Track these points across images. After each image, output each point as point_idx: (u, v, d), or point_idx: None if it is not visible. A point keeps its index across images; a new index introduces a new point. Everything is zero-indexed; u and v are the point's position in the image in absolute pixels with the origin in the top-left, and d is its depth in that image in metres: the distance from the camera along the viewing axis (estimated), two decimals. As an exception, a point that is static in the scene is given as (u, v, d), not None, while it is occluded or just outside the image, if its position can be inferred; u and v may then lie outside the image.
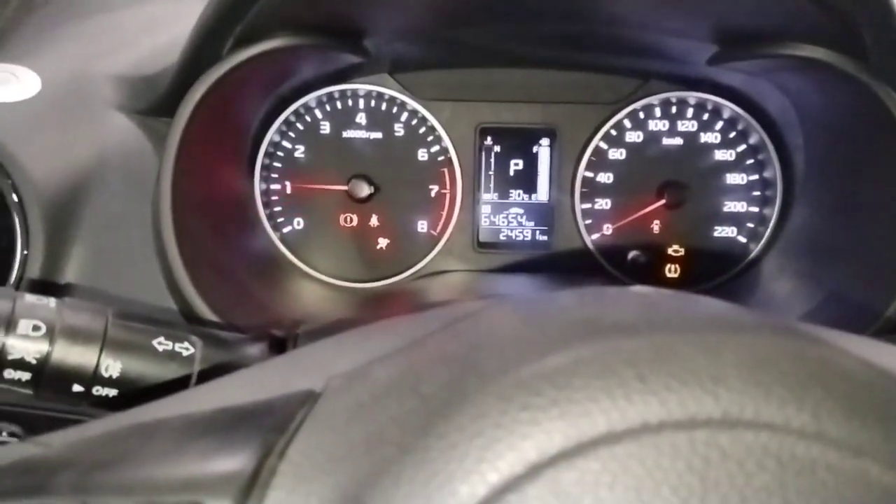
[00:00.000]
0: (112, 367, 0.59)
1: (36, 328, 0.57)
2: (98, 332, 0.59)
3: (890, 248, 0.87)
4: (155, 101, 0.91)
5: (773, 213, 1.13)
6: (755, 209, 1.16)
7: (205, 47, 0.83)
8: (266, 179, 1.14)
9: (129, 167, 0.91)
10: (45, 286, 0.79)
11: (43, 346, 0.57)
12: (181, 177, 0.86)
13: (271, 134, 1.13)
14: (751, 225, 1.16)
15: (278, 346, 0.67)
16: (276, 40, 0.84)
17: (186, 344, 0.62)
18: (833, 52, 0.83)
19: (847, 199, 0.97)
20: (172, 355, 0.62)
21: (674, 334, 0.33)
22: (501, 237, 1.19)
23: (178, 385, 0.61)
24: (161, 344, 0.61)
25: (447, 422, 0.30)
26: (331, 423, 0.34)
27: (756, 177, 1.16)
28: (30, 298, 0.58)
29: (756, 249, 1.15)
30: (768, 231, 1.14)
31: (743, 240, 1.16)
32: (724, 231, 1.17)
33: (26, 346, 0.57)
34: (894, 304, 0.82)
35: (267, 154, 1.14)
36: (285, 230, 1.16)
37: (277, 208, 1.15)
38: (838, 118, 0.95)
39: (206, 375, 0.62)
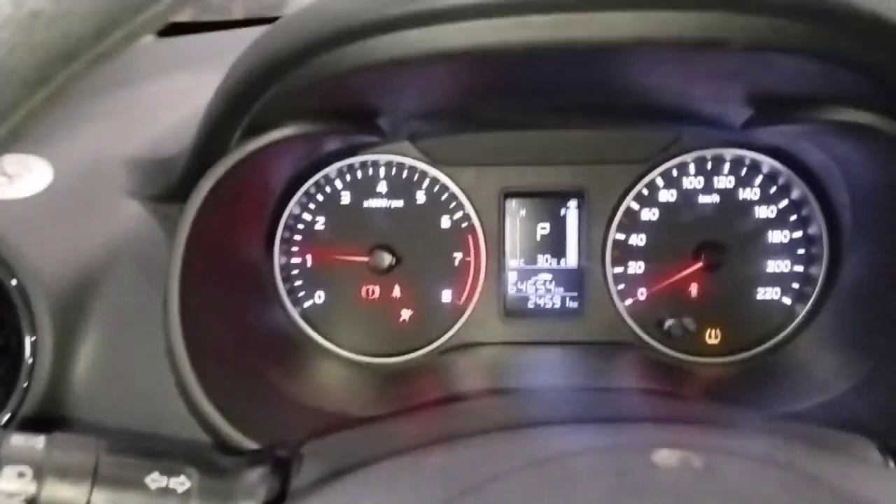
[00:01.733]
0: (103, 507, 0.56)
1: (21, 475, 0.54)
2: (88, 469, 0.57)
3: None
4: (168, 186, 0.89)
5: (821, 271, 1.06)
6: (800, 268, 1.09)
7: (213, 138, 0.81)
8: (286, 253, 1.12)
9: (140, 257, 0.89)
10: (49, 400, 0.77)
11: (30, 488, 0.55)
12: (193, 266, 0.83)
13: (291, 207, 1.10)
14: (796, 285, 1.09)
15: (282, 468, 0.63)
16: (286, 129, 0.81)
17: (182, 478, 0.59)
18: (879, 117, 0.76)
19: (887, 261, 0.90)
20: (166, 492, 0.58)
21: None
22: (530, 305, 1.14)
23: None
24: (154, 481, 0.58)
25: None
26: None
27: (800, 234, 1.09)
28: (16, 440, 0.56)
29: (803, 312, 1.07)
30: (816, 291, 1.06)
31: (788, 301, 1.09)
32: (767, 293, 1.10)
33: (12, 490, 0.54)
34: None
35: (286, 227, 1.11)
36: (306, 305, 1.13)
37: (298, 282, 1.13)
38: (885, 180, 0.88)
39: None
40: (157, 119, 1.08)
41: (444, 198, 1.12)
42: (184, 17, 1.63)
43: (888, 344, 0.90)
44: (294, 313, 1.11)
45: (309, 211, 1.12)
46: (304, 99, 0.76)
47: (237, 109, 0.78)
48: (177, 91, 1.13)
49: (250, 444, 0.75)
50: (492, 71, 0.79)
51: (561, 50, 0.65)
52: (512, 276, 1.14)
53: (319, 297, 1.13)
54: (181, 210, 0.84)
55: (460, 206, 1.11)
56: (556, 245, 1.13)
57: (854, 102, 0.77)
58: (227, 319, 0.90)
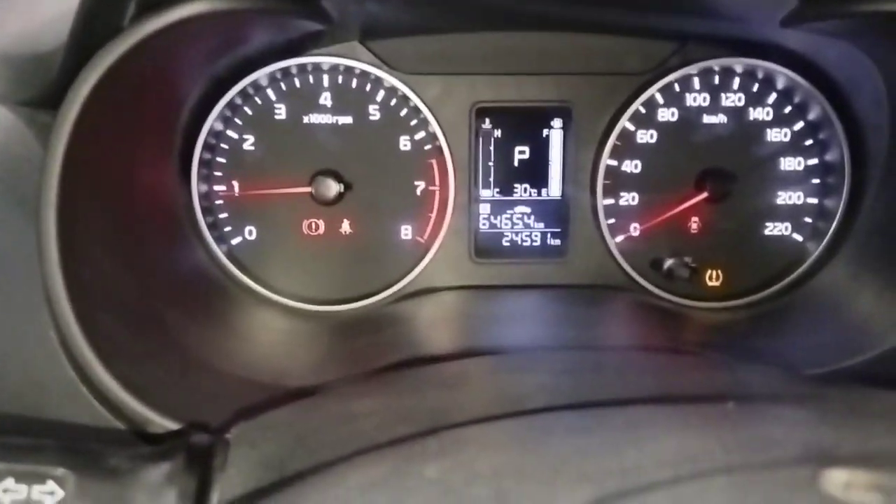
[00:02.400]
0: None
1: None
2: None
3: None
4: (45, 88, 0.67)
5: (840, 205, 0.92)
6: (814, 200, 0.95)
7: (98, 15, 0.60)
8: (206, 179, 0.91)
9: (10, 178, 0.68)
10: None
11: None
12: (76, 190, 0.63)
13: (211, 121, 0.89)
14: (808, 220, 0.95)
15: (200, 462, 0.44)
16: (196, 4, 0.60)
17: (51, 484, 0.39)
18: None
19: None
20: (28, 504, 0.39)
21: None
22: (504, 243, 0.97)
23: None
24: (8, 491, 0.38)
25: None
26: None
27: (816, 161, 0.94)
28: None
29: (818, 250, 0.93)
30: (833, 228, 0.93)
31: (799, 238, 0.95)
32: (776, 228, 0.95)
33: None
34: None
35: (207, 147, 0.90)
36: (234, 242, 0.93)
37: (223, 215, 0.92)
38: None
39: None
40: (36, 9, 0.84)
41: (403, 113, 0.93)
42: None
43: None
44: (218, 252, 0.91)
45: (235, 127, 0.91)
46: None
47: None
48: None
49: (160, 423, 0.56)
50: None
51: None
52: (484, 209, 0.97)
53: (250, 232, 0.94)
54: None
55: (423, 124, 0.93)
56: (536, 172, 0.96)
57: None
58: (126, 259, 0.70)
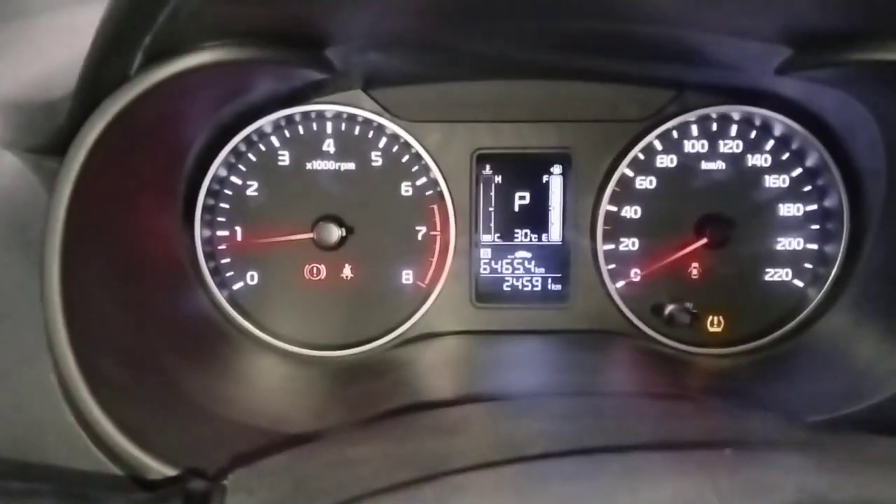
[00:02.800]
0: None
1: None
2: None
3: None
4: (53, 135, 0.68)
5: (839, 250, 0.92)
6: (814, 246, 0.95)
7: (106, 65, 0.61)
8: (210, 225, 0.92)
9: (16, 223, 0.68)
10: None
11: None
12: (80, 236, 0.63)
13: (216, 168, 0.90)
14: (808, 266, 0.95)
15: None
16: (202, 54, 0.61)
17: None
18: None
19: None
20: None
21: None
22: (505, 288, 0.97)
23: None
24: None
25: None
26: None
27: (815, 207, 0.95)
28: None
29: (818, 297, 0.93)
30: (833, 273, 0.93)
31: (800, 284, 0.95)
32: (777, 274, 0.96)
33: None
34: None
35: (210, 193, 0.91)
36: (235, 287, 0.93)
37: (225, 260, 0.93)
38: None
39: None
40: (46, 57, 0.86)
41: (405, 160, 0.94)
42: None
43: None
44: (220, 297, 0.92)
45: (239, 173, 0.92)
46: (225, 7, 0.57)
47: (136, 21, 0.58)
48: (73, 27, 0.91)
49: (158, 469, 0.55)
50: None
51: None
52: (485, 254, 0.97)
53: (252, 277, 0.94)
54: None
55: (425, 170, 0.94)
56: (537, 217, 0.96)
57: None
58: (128, 304, 0.70)
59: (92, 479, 0.56)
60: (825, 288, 0.93)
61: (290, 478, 0.46)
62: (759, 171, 0.95)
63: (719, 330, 0.96)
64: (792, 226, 0.95)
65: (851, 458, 0.40)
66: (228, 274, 0.93)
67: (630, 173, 0.94)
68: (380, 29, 0.69)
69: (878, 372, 0.77)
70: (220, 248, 0.93)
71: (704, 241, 0.93)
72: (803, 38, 0.69)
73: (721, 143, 0.94)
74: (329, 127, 0.93)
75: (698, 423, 0.62)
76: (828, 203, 0.94)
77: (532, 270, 0.97)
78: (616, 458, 0.38)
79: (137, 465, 0.56)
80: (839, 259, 0.92)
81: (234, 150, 0.91)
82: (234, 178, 0.92)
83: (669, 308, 0.93)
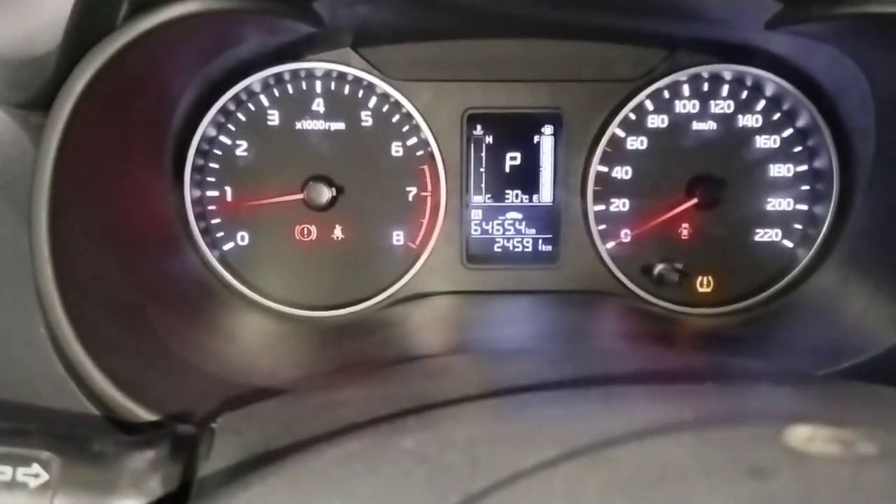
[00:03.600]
0: None
1: None
2: None
3: None
4: (39, 90, 0.67)
5: (829, 211, 0.93)
6: (804, 207, 0.95)
7: (91, 16, 0.61)
8: (200, 185, 0.91)
9: (4, 178, 0.68)
10: None
11: None
12: (67, 190, 0.63)
13: (204, 127, 0.90)
14: (798, 226, 0.95)
15: (184, 451, 0.44)
16: (188, 3, 0.61)
17: (36, 468, 0.39)
18: None
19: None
20: (12, 486, 0.39)
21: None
22: (496, 249, 0.97)
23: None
24: (-5, 473, 0.38)
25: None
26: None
27: (805, 167, 0.95)
28: None
29: (807, 257, 0.94)
30: (822, 233, 0.93)
31: (789, 244, 0.96)
32: (767, 234, 0.96)
33: None
34: None
35: (200, 153, 0.90)
36: (226, 247, 0.93)
37: (215, 220, 0.93)
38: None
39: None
40: (31, 13, 0.85)
41: (395, 119, 0.93)
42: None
43: None
44: (210, 257, 0.91)
45: (228, 133, 0.92)
46: None
47: None
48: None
49: (145, 415, 0.56)
50: None
51: None
52: (476, 215, 0.97)
53: (242, 237, 0.94)
54: None
55: (415, 130, 0.93)
56: (527, 178, 0.96)
57: None
58: (117, 259, 0.70)
59: (80, 423, 0.56)
60: (814, 248, 0.94)
61: (277, 420, 0.46)
62: (750, 132, 0.95)
63: (709, 290, 0.97)
64: (782, 186, 0.95)
65: (830, 394, 0.41)
66: (219, 234, 0.93)
67: (621, 133, 0.94)
68: None
69: (868, 328, 0.78)
70: (210, 208, 0.93)
71: (695, 201, 0.94)
72: None
73: (712, 103, 0.94)
74: (318, 86, 0.92)
75: (681, 363, 0.63)
76: (818, 164, 0.94)
77: (523, 231, 0.97)
78: (596, 388, 0.38)
79: (126, 413, 0.57)
80: (829, 219, 0.93)
81: (223, 109, 0.90)
82: (223, 138, 0.92)
83: (659, 268, 0.93)
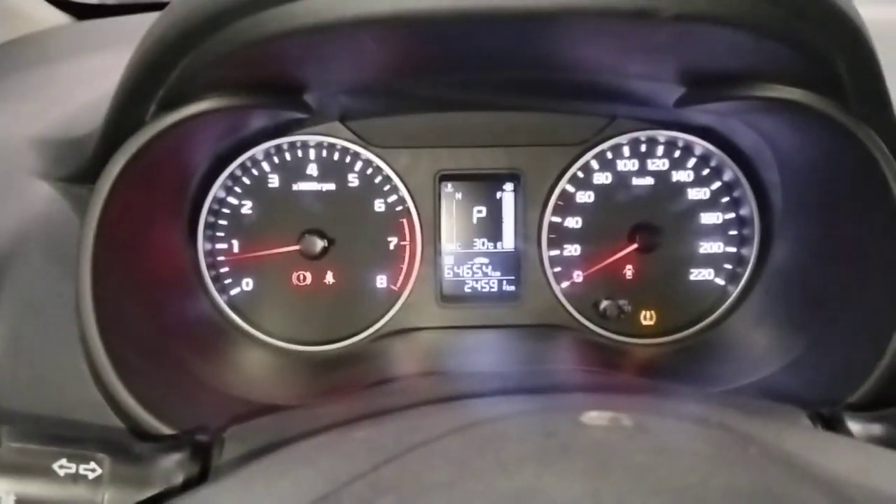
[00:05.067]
0: (5, 499, 0.51)
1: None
2: (-13, 457, 0.52)
3: (874, 298, 0.80)
4: (80, 167, 0.83)
5: (752, 252, 1.07)
6: (732, 249, 1.10)
7: (126, 113, 0.76)
8: (211, 239, 1.07)
9: (52, 241, 0.83)
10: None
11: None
12: (106, 250, 0.78)
13: (215, 190, 1.05)
14: (728, 266, 1.10)
15: (202, 454, 0.59)
16: (204, 102, 0.76)
17: (92, 464, 0.54)
18: (811, 94, 0.77)
19: (828, 240, 0.91)
20: (76, 478, 0.54)
21: None
22: (466, 289, 1.12)
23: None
24: (63, 467, 0.53)
25: None
26: None
27: (732, 215, 1.10)
28: None
29: (735, 292, 1.08)
30: (748, 271, 1.08)
31: (721, 282, 1.10)
32: (700, 274, 1.11)
33: None
34: (878, 369, 0.75)
35: (211, 212, 1.06)
36: (233, 292, 1.08)
37: (224, 269, 1.08)
38: (815, 157, 0.89)
39: (119, 496, 0.55)
40: (72, 98, 1.02)
41: (377, 180, 1.09)
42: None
43: (817, 323, 0.91)
44: (220, 301, 1.06)
45: (235, 195, 1.07)
46: (222, 69, 0.72)
47: (151, 80, 0.73)
48: (94, 70, 1.07)
49: (168, 431, 0.71)
50: (420, 41, 0.76)
51: (487, 17, 0.63)
52: (448, 261, 1.12)
53: (248, 284, 1.08)
54: (92, 191, 0.79)
55: (394, 189, 1.09)
56: (492, 228, 1.11)
57: (784, 79, 0.77)
58: (145, 305, 0.85)
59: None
60: (740, 285, 1.08)
61: (276, 429, 0.61)
62: (683, 185, 1.10)
63: (652, 323, 1.11)
64: (712, 232, 1.10)
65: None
66: (227, 281, 1.08)
67: (571, 189, 1.10)
68: (347, 80, 0.85)
69: (765, 355, 0.93)
70: (219, 259, 1.08)
71: (636, 246, 1.08)
72: (694, 80, 0.85)
73: (649, 161, 1.10)
74: (312, 154, 1.08)
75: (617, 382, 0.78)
76: (742, 212, 1.09)
77: (489, 274, 1.12)
78: (507, 396, 0.53)
79: (152, 429, 0.72)
80: (752, 260, 1.08)
81: (231, 175, 1.06)
82: (231, 199, 1.07)
83: (604, 304, 1.08)
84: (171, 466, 0.57)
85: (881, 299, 0.80)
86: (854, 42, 0.68)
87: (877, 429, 0.57)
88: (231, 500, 0.43)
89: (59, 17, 1.47)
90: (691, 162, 1.09)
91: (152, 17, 0.77)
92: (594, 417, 0.44)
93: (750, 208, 1.07)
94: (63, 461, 0.53)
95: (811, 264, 0.96)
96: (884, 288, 0.80)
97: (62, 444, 0.55)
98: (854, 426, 0.60)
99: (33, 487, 0.52)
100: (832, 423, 0.61)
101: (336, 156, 1.08)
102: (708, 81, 0.84)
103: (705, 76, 0.82)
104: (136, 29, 0.77)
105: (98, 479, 0.54)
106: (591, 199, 1.10)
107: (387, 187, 1.09)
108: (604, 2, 0.61)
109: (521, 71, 0.88)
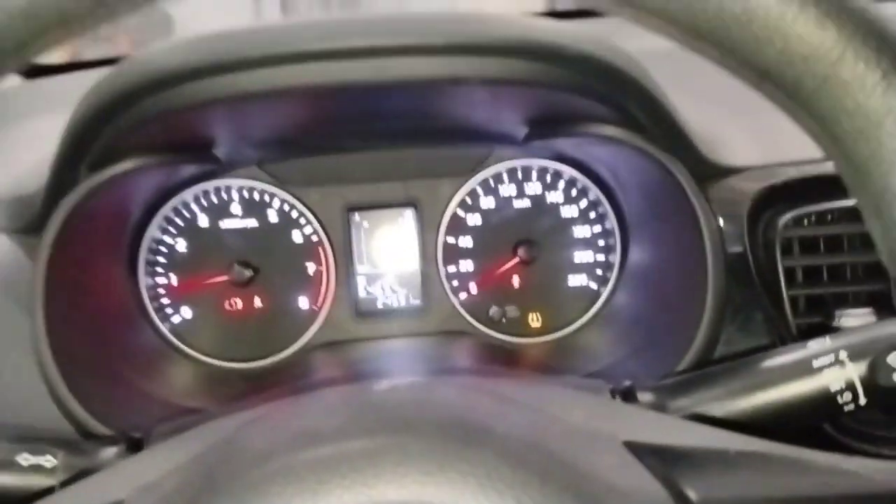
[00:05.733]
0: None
1: None
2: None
3: (691, 301, 0.99)
4: (31, 220, 0.99)
5: (616, 259, 1.26)
6: (602, 257, 1.29)
7: (61, 175, 0.92)
8: (151, 274, 1.22)
9: (10, 283, 0.99)
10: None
11: None
12: (56, 290, 0.94)
13: (152, 231, 1.21)
14: (600, 272, 1.29)
15: (135, 447, 0.75)
16: (126, 163, 0.93)
17: (48, 457, 0.71)
18: (620, 129, 0.96)
19: (663, 247, 1.11)
20: (37, 468, 0.70)
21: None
22: (379, 305, 1.29)
23: (45, 493, 0.70)
24: (26, 459, 0.69)
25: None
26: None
27: (599, 228, 1.29)
28: None
29: (605, 293, 1.27)
30: (613, 277, 1.27)
31: (595, 286, 1.29)
32: (577, 280, 1.29)
33: None
34: (689, 353, 0.95)
35: (150, 251, 1.22)
36: (174, 320, 1.23)
37: (165, 300, 1.23)
38: (642, 181, 1.09)
39: (71, 481, 0.71)
40: (20, 159, 1.17)
41: (294, 215, 1.25)
42: (53, 57, 1.70)
43: (654, 322, 1.10)
44: (163, 328, 1.21)
45: (170, 234, 1.23)
46: (138, 135, 0.89)
47: (79, 148, 0.89)
48: (41, 131, 1.22)
49: (107, 431, 0.87)
50: (313, 105, 0.94)
51: (340, 87, 0.81)
52: (361, 281, 1.29)
53: (186, 312, 1.24)
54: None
55: (309, 222, 1.26)
56: (397, 251, 1.29)
57: (603, 119, 0.97)
58: (93, 335, 1.01)
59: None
60: (608, 288, 1.27)
61: (196, 424, 0.77)
62: (557, 205, 1.28)
63: (539, 325, 1.29)
64: (583, 243, 1.28)
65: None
66: (168, 311, 1.23)
67: (461, 213, 1.27)
68: (249, 135, 1.03)
69: (617, 345, 1.12)
70: (160, 291, 1.23)
71: (518, 259, 1.27)
72: (530, 121, 1.04)
73: (526, 186, 1.27)
74: (235, 195, 1.24)
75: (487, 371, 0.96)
76: (607, 225, 1.28)
77: (397, 290, 1.29)
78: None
79: (96, 430, 0.88)
80: (616, 266, 1.27)
81: (165, 218, 1.21)
82: (166, 238, 1.23)
83: (491, 311, 1.26)
84: (111, 457, 0.74)
85: (695, 301, 0.99)
86: (635, 87, 0.86)
87: (648, 396, 0.75)
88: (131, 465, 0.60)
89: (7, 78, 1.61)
90: (561, 185, 1.28)
91: (99, 73, 0.94)
92: (382, 384, 0.61)
93: (612, 222, 1.26)
94: (25, 454, 0.70)
95: (653, 271, 1.16)
96: (697, 293, 0.98)
97: (25, 443, 0.71)
98: (641, 396, 0.77)
99: (3, 477, 0.69)
100: (626, 396, 0.78)
101: (256, 196, 1.24)
102: (540, 122, 1.03)
103: (541, 119, 1.01)
104: (80, 87, 0.94)
105: (54, 468, 0.71)
106: (480, 222, 1.27)
107: (302, 220, 1.25)
108: (422, 73, 0.79)
109: (404, 121, 1.07)
